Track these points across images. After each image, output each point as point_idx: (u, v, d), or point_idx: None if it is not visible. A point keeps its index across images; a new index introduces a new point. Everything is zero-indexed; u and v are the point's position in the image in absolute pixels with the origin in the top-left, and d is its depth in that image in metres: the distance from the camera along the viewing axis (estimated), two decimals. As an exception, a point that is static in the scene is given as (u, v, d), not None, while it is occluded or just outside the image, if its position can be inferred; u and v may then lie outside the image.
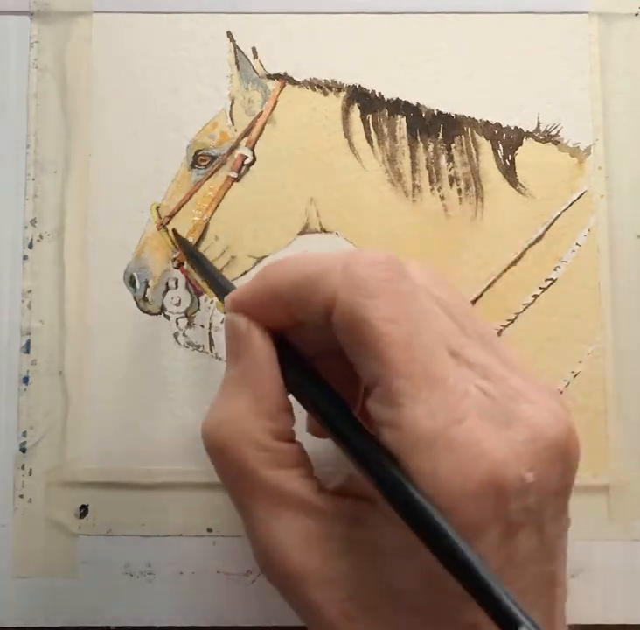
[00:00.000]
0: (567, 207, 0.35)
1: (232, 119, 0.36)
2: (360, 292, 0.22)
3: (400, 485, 0.21)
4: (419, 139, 0.36)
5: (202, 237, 0.36)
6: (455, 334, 0.23)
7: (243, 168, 0.36)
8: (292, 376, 0.25)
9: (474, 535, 0.20)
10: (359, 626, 0.22)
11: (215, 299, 0.35)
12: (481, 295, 0.35)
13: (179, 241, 0.35)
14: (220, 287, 0.32)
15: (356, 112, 0.36)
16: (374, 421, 0.22)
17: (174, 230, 0.35)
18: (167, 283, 0.36)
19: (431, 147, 0.36)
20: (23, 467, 0.35)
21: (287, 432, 0.25)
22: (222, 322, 0.35)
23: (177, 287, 0.36)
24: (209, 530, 0.34)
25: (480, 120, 0.36)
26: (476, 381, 0.23)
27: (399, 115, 0.36)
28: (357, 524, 0.23)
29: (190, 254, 0.35)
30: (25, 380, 0.35)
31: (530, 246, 0.35)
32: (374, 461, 0.22)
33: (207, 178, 0.36)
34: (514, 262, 0.35)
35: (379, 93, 0.36)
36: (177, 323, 0.35)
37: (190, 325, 0.35)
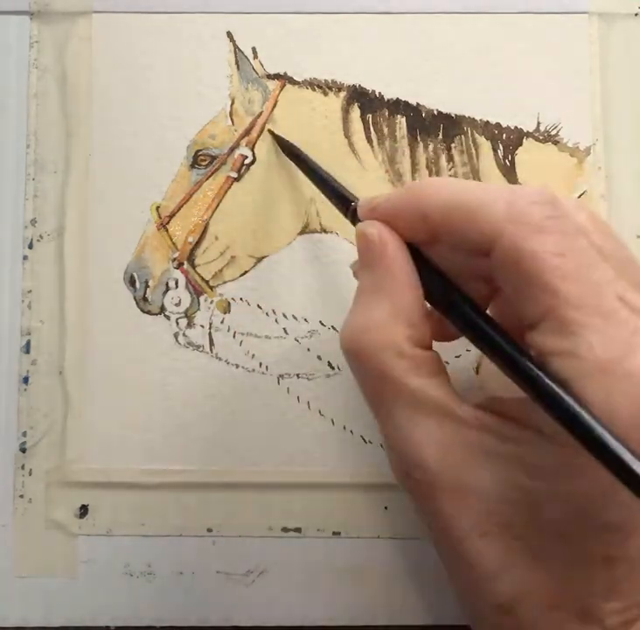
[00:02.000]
0: (567, 207, 0.35)
1: (232, 119, 0.36)
2: (527, 227, 0.22)
3: (569, 404, 0.21)
4: (419, 139, 0.36)
5: (202, 237, 0.36)
6: (617, 280, 0.23)
7: (243, 168, 0.36)
8: (437, 286, 0.25)
9: None
10: (490, 543, 0.22)
11: (215, 299, 0.36)
12: (481, 295, 0.35)
13: (284, 145, 0.35)
14: (338, 195, 0.31)
15: (356, 112, 0.36)
16: (541, 352, 0.22)
17: (270, 131, 0.36)
18: (167, 283, 0.36)
19: (431, 147, 0.36)
20: (23, 467, 0.35)
21: (426, 340, 0.25)
22: (222, 322, 0.35)
23: (177, 287, 0.36)
24: (209, 530, 0.34)
25: (480, 120, 0.36)
26: None
27: (399, 115, 0.36)
28: (501, 439, 0.23)
29: (299, 159, 0.35)
30: (25, 380, 0.35)
31: (530, 246, 0.35)
32: (534, 371, 0.22)
33: (207, 178, 0.36)
34: (514, 262, 0.35)
35: (379, 93, 0.36)
36: (177, 323, 0.35)
37: (190, 325, 0.35)
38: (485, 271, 0.24)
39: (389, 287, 0.24)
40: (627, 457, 0.19)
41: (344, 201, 0.30)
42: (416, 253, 0.25)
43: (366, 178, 0.36)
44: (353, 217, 0.29)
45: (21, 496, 0.34)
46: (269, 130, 0.36)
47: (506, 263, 0.23)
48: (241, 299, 0.35)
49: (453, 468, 0.23)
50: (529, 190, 0.24)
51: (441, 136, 0.36)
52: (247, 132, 0.36)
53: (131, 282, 0.36)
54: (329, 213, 0.36)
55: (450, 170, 0.36)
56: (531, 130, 0.36)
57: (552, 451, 0.22)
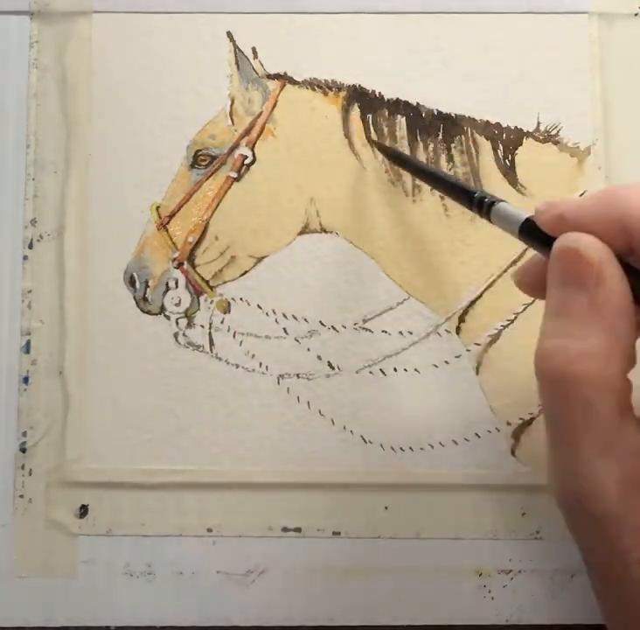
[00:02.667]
0: (567, 207, 0.35)
1: (232, 119, 0.36)
2: None
3: None
4: (419, 139, 0.36)
5: (202, 237, 0.36)
6: None
7: (243, 168, 0.36)
8: None
9: None
10: None
11: (215, 299, 0.35)
12: (481, 295, 0.35)
13: (388, 152, 0.35)
14: (458, 188, 0.30)
15: (356, 112, 0.36)
16: None
17: (375, 142, 0.36)
18: (167, 283, 0.36)
19: (431, 147, 0.36)
20: (23, 467, 0.35)
21: (630, 369, 0.23)
22: (222, 322, 0.35)
23: (177, 287, 0.36)
24: (209, 530, 0.34)
25: (480, 120, 0.36)
26: None
27: (399, 115, 0.36)
28: None
29: (407, 163, 0.35)
30: (25, 380, 0.35)
31: (530, 246, 0.35)
32: None
33: (207, 178, 0.36)
34: (514, 262, 0.35)
35: (379, 93, 0.36)
36: (177, 323, 0.35)
37: (190, 325, 0.35)
38: None
39: (609, 314, 0.23)
40: None
41: (465, 193, 0.29)
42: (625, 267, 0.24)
43: (366, 178, 0.36)
44: (480, 207, 0.28)
45: (21, 496, 0.34)
46: (369, 139, 0.36)
47: None
48: (241, 299, 0.35)
49: (629, 503, 0.22)
50: None
51: (441, 136, 0.36)
52: (247, 132, 0.36)
53: (131, 282, 0.36)
54: (329, 213, 0.36)
55: (450, 170, 0.36)
56: (531, 130, 0.36)
57: None
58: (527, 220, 0.26)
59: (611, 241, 0.23)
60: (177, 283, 0.36)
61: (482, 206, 0.28)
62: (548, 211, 0.25)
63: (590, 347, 0.23)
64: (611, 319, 0.23)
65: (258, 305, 0.35)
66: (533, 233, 0.26)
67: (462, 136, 0.36)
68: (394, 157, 0.35)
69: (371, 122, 0.36)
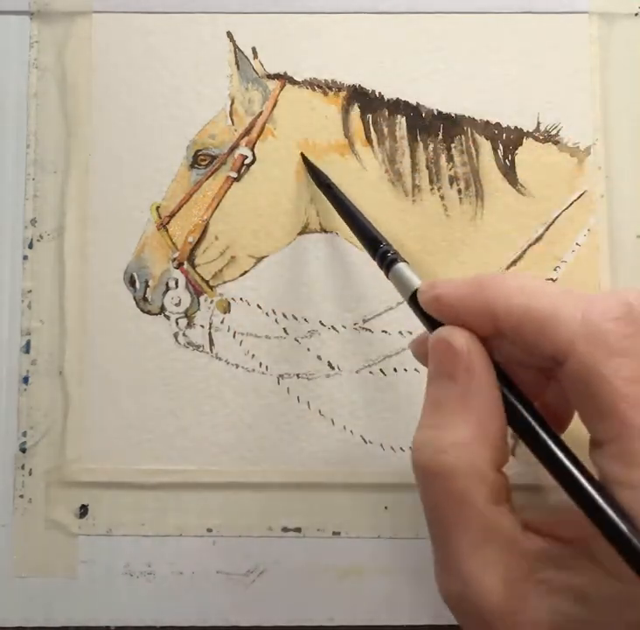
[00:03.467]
0: (567, 207, 0.35)
1: (232, 119, 0.36)
2: (602, 349, 0.21)
3: (633, 540, 0.20)
4: (419, 139, 0.36)
5: (202, 237, 0.36)
6: None
7: (243, 168, 0.36)
8: (509, 401, 0.24)
9: None
10: None
11: (215, 299, 0.36)
12: (481, 295, 0.35)
13: (315, 172, 0.35)
14: (368, 236, 0.31)
15: (356, 112, 0.36)
16: (604, 476, 0.22)
17: (302, 155, 0.35)
18: (167, 283, 0.36)
19: (431, 147, 0.36)
20: (23, 467, 0.35)
21: (505, 462, 0.24)
22: (222, 322, 0.35)
23: (177, 287, 0.36)
24: (209, 530, 0.34)
25: (480, 120, 0.36)
26: None
27: (399, 115, 0.36)
28: (560, 567, 0.22)
29: (328, 191, 0.34)
30: (25, 380, 0.35)
31: (530, 246, 0.35)
32: (603, 509, 0.21)
33: (207, 178, 0.36)
34: (514, 262, 0.35)
35: (379, 93, 0.36)
36: (177, 323, 0.35)
37: (190, 325, 0.35)
38: (547, 366, 0.23)
39: (476, 406, 0.23)
40: None
41: (372, 243, 0.30)
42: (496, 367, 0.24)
43: (366, 178, 0.36)
44: (381, 262, 0.29)
45: (21, 496, 0.34)
46: (302, 154, 0.36)
47: (576, 381, 0.22)
48: (241, 299, 0.35)
49: (512, 598, 0.22)
50: (605, 301, 0.22)
51: (441, 136, 0.36)
52: (247, 132, 0.36)
53: (131, 282, 0.36)
54: (329, 213, 0.36)
55: (450, 170, 0.36)
56: (531, 130, 0.36)
57: (609, 583, 0.21)
58: (383, 256, 0.28)
59: (480, 326, 0.24)
60: (177, 283, 0.36)
61: (383, 260, 0.29)
62: (427, 292, 0.26)
63: (459, 439, 0.23)
64: (480, 411, 0.23)
65: (258, 305, 0.35)
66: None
67: (462, 136, 0.36)
68: (318, 181, 0.35)
69: (371, 122, 0.36)
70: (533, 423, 0.23)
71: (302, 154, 0.36)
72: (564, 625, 0.22)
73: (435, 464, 0.23)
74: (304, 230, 0.36)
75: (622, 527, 0.20)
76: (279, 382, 0.35)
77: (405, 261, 0.28)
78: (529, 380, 0.25)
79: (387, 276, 0.29)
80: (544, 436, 0.23)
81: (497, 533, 0.23)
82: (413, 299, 0.27)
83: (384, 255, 0.29)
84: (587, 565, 0.22)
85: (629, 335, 0.22)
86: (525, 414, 0.24)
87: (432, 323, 0.26)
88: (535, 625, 0.22)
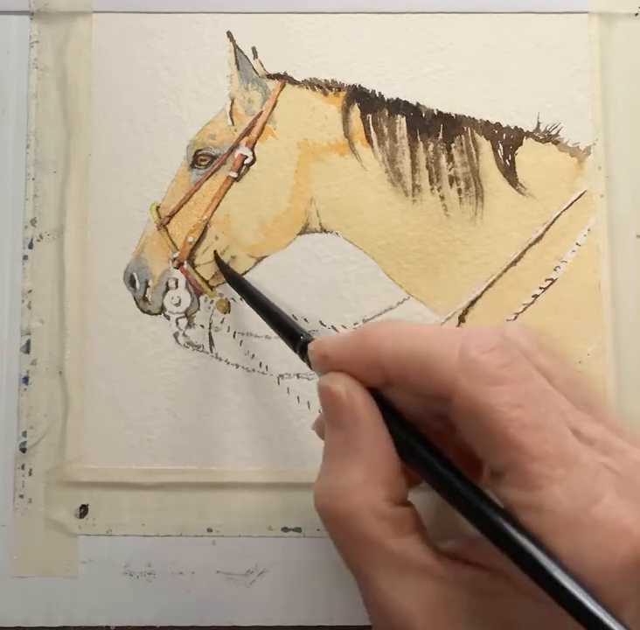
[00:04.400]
0: (567, 207, 0.35)
1: (232, 119, 0.36)
2: (482, 380, 0.22)
3: (542, 562, 0.20)
4: (419, 139, 0.36)
5: (202, 237, 0.36)
6: (569, 410, 0.23)
7: (243, 168, 0.36)
8: (401, 438, 0.24)
9: (615, 610, 0.20)
10: None
11: (215, 299, 0.35)
12: (481, 295, 0.35)
13: (229, 276, 0.35)
14: (286, 329, 0.30)
15: (356, 112, 0.36)
16: (509, 505, 0.22)
17: (216, 254, 0.35)
18: (167, 283, 0.36)
19: (431, 147, 0.36)
20: (23, 467, 0.35)
21: (403, 496, 0.24)
22: (222, 322, 0.35)
23: (177, 287, 0.36)
24: (209, 530, 0.34)
25: (480, 120, 0.36)
26: (599, 458, 0.22)
27: (399, 115, 0.36)
28: (479, 593, 0.23)
29: (241, 288, 0.34)
30: (25, 380, 0.35)
31: (530, 246, 0.35)
32: (509, 535, 0.21)
33: (207, 178, 0.36)
34: (514, 262, 0.35)
35: (379, 93, 0.36)
36: (177, 323, 0.35)
37: (190, 325, 0.35)
38: (443, 411, 0.24)
39: (363, 447, 0.24)
40: (601, 614, 0.19)
41: (291, 336, 0.29)
42: (379, 399, 0.25)
43: (366, 178, 0.36)
44: (302, 353, 0.28)
45: (21, 496, 0.34)
46: (215, 252, 0.35)
47: (464, 415, 0.22)
48: (241, 299, 0.35)
49: (440, 625, 0.22)
50: (480, 334, 0.23)
51: (441, 136, 0.36)
52: (247, 132, 0.36)
53: (131, 282, 0.36)
54: (329, 213, 0.36)
55: (450, 170, 0.36)
56: (531, 130, 0.36)
57: (526, 605, 0.22)
58: (303, 349, 0.27)
59: (370, 376, 0.24)
60: (177, 283, 0.36)
61: (304, 352, 0.28)
62: (315, 351, 0.26)
63: (350, 482, 0.24)
64: (367, 452, 0.24)
65: (258, 305, 0.35)
66: None
67: (462, 136, 0.36)
68: (232, 281, 0.35)
69: (371, 122, 0.36)
70: (427, 454, 0.24)
71: (214, 252, 0.35)
72: None
73: (333, 509, 0.24)
74: (304, 230, 0.36)
75: (533, 551, 0.21)
76: (279, 382, 0.35)
77: (313, 339, 0.28)
78: (437, 429, 0.25)
79: (309, 366, 0.27)
80: (438, 466, 0.23)
81: (407, 564, 0.23)
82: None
83: (303, 347, 0.28)
84: (507, 591, 0.22)
85: (505, 364, 0.22)
86: (416, 445, 0.24)
87: None
88: None
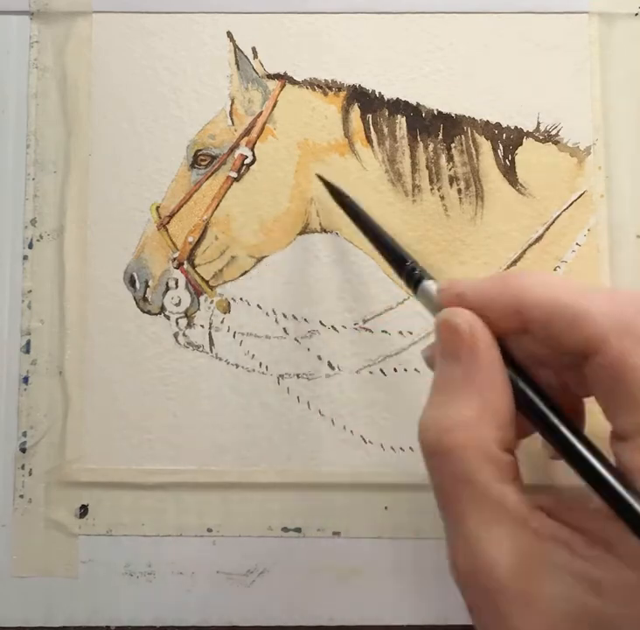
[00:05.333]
0: (567, 207, 0.35)
1: (232, 119, 0.36)
2: (635, 341, 0.22)
3: None
4: (419, 139, 0.36)
5: (202, 237, 0.36)
6: None
7: (243, 168, 0.36)
8: (518, 386, 0.24)
9: None
10: None
11: (215, 299, 0.36)
12: (481, 295, 0.35)
13: (335, 192, 0.34)
14: (393, 253, 0.30)
15: (356, 112, 0.36)
16: (627, 468, 0.22)
17: (318, 176, 0.35)
18: (167, 283, 0.36)
19: (431, 147, 0.36)
20: (23, 467, 0.35)
21: (511, 442, 0.24)
22: (222, 322, 0.35)
23: (177, 287, 0.36)
24: (209, 530, 0.34)
25: (480, 120, 0.36)
26: None
27: (399, 115, 0.36)
28: (574, 553, 0.22)
29: (349, 208, 0.34)
30: (25, 380, 0.35)
31: (530, 246, 0.35)
32: (622, 498, 0.21)
33: (207, 178, 0.36)
34: (514, 262, 0.35)
35: (379, 93, 0.36)
36: (177, 323, 0.35)
37: (190, 325, 0.35)
38: (576, 364, 0.24)
39: (480, 384, 0.23)
40: None
41: (398, 261, 0.29)
42: (504, 351, 0.24)
43: (366, 177, 0.36)
44: (408, 279, 0.28)
45: (21, 496, 0.34)
46: (318, 176, 0.35)
47: (607, 373, 0.22)
48: (241, 299, 0.35)
49: (523, 579, 0.22)
50: (636, 296, 0.23)
51: (441, 136, 0.36)
52: (247, 132, 0.36)
53: (131, 282, 0.36)
54: (329, 213, 0.36)
55: (450, 170, 0.36)
56: (531, 130, 0.36)
57: (624, 573, 0.21)
58: (410, 274, 0.27)
59: (505, 321, 0.24)
60: (177, 283, 0.36)
61: (411, 278, 0.28)
62: (448, 289, 0.26)
63: (464, 417, 0.23)
64: (485, 389, 0.23)
65: (258, 305, 0.35)
66: None
67: (462, 136, 0.36)
68: (339, 200, 0.34)
69: (371, 122, 0.36)
70: (543, 407, 0.23)
71: (318, 175, 0.35)
72: (576, 612, 0.22)
73: (441, 443, 0.23)
74: (304, 230, 0.36)
75: None
76: (279, 382, 0.35)
77: (432, 278, 0.28)
78: (547, 379, 0.25)
79: (415, 295, 0.28)
80: (556, 420, 0.23)
81: (505, 511, 0.22)
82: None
83: (411, 274, 0.28)
84: (601, 555, 0.22)
85: None
86: (533, 396, 0.24)
87: None
88: (546, 609, 0.22)
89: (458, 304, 0.25)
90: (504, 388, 0.24)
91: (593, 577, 0.22)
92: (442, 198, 0.36)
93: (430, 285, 0.27)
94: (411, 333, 0.35)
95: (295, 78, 0.36)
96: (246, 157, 0.36)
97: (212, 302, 0.35)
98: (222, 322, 0.35)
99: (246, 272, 0.36)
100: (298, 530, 0.34)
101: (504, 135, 0.36)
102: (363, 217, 0.33)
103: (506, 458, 0.23)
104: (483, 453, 0.23)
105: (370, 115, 0.36)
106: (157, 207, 0.36)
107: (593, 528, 0.22)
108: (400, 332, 0.35)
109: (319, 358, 0.35)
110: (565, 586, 0.22)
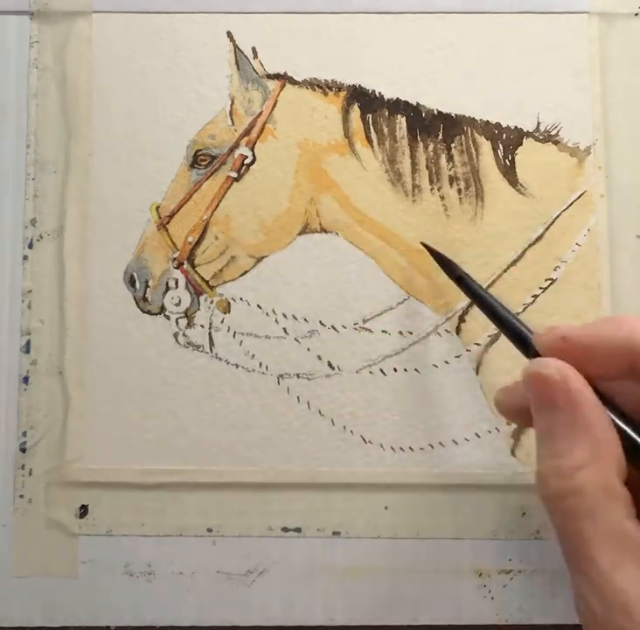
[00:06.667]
0: (567, 207, 0.35)
1: (232, 119, 0.36)
2: None
3: None
4: (419, 139, 0.36)
5: (202, 237, 0.36)
6: None
7: (243, 168, 0.36)
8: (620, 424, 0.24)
9: None
10: None
11: (215, 299, 0.36)
12: (481, 295, 0.35)
13: (444, 263, 0.33)
14: (515, 332, 0.29)
15: (356, 112, 0.36)
16: None
17: (426, 246, 0.34)
18: (167, 283, 0.36)
19: (431, 147, 0.36)
20: (23, 467, 0.35)
21: (625, 476, 0.24)
22: (222, 322, 0.35)
23: (177, 287, 0.36)
24: (209, 530, 0.34)
25: (480, 120, 0.36)
26: None
27: (399, 115, 0.36)
28: None
29: (475, 294, 0.32)
30: (25, 380, 0.35)
31: (530, 246, 0.35)
32: None
33: (207, 178, 0.36)
34: (514, 262, 0.35)
35: (379, 93, 0.36)
36: (177, 323, 0.35)
37: (190, 325, 0.35)
38: None
39: (587, 424, 0.24)
40: None
41: (522, 339, 0.28)
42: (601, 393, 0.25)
43: (366, 178, 0.36)
44: (529, 352, 0.27)
45: (21, 496, 0.34)
46: (426, 245, 0.34)
47: None
48: (241, 299, 0.35)
49: None
50: None
51: (441, 136, 0.36)
52: (247, 132, 0.36)
53: (131, 282, 0.36)
54: (329, 213, 0.36)
55: (450, 170, 0.36)
56: (531, 130, 0.36)
57: None
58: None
59: (612, 363, 0.24)
60: (177, 283, 0.36)
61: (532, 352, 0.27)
62: (550, 333, 0.26)
63: (580, 461, 0.23)
64: (591, 429, 0.24)
65: (258, 305, 0.35)
66: None
67: (462, 136, 0.36)
68: (450, 273, 0.33)
69: (371, 122, 0.36)
70: None
71: (425, 245, 0.34)
72: None
73: (564, 489, 0.23)
74: (304, 230, 0.36)
75: None
76: (279, 382, 0.35)
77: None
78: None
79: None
80: None
81: (632, 544, 0.23)
82: None
83: (534, 350, 0.27)
84: None
85: None
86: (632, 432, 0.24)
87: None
88: None
89: (561, 347, 0.25)
90: (609, 424, 0.24)
91: None
92: (442, 198, 0.36)
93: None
94: (411, 333, 0.35)
95: (295, 78, 0.36)
96: (246, 157, 0.36)
97: (212, 302, 0.35)
98: (222, 322, 0.35)
99: (246, 272, 0.36)
100: (298, 530, 0.34)
101: (504, 135, 0.36)
102: (478, 292, 0.32)
103: (627, 492, 0.23)
104: (605, 489, 0.23)
105: (370, 115, 0.36)
106: (157, 207, 0.36)
107: None
108: (400, 332, 0.35)
109: (319, 358, 0.35)
110: None
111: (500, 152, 0.36)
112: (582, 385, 0.24)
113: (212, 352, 0.35)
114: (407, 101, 0.36)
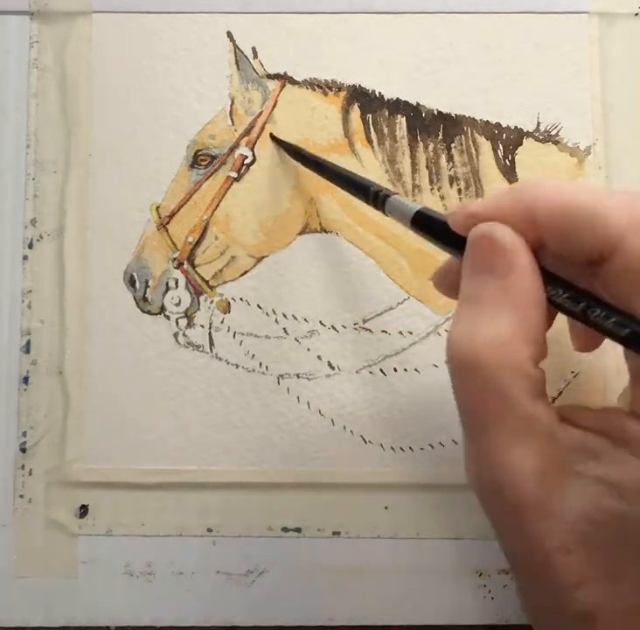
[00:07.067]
0: (567, 207, 0.35)
1: (232, 119, 0.36)
2: None
3: None
4: (419, 139, 0.36)
5: (202, 237, 0.36)
6: None
7: (243, 168, 0.36)
8: (564, 294, 0.23)
9: None
10: (574, 559, 0.22)
11: (215, 299, 0.36)
12: (481, 295, 0.35)
13: (288, 148, 0.35)
14: (357, 184, 0.31)
15: (356, 112, 0.36)
16: None
17: (272, 135, 0.36)
18: (167, 283, 0.36)
19: (431, 147, 0.36)
20: (23, 467, 0.35)
21: (543, 357, 0.23)
22: (222, 322, 0.35)
23: (177, 287, 0.36)
24: (209, 530, 0.34)
25: (480, 120, 0.36)
26: None
27: (399, 115, 0.36)
28: (598, 459, 0.22)
29: (305, 159, 0.35)
30: (25, 380, 0.35)
31: (530, 246, 0.35)
32: None
33: (207, 178, 0.36)
34: (514, 262, 0.35)
35: (379, 93, 0.36)
36: (177, 323, 0.35)
37: (190, 325, 0.35)
38: (592, 272, 0.23)
39: (518, 300, 0.23)
40: None
41: (363, 189, 0.30)
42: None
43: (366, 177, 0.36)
44: (375, 201, 0.29)
45: (21, 496, 0.34)
46: (271, 135, 0.36)
47: (625, 273, 0.22)
48: (241, 299, 0.35)
49: (545, 489, 0.22)
50: None
51: (441, 136, 0.36)
52: (247, 132, 0.36)
53: (131, 282, 0.36)
54: (329, 213, 0.36)
55: (450, 170, 0.36)
56: (531, 130, 0.36)
57: (636, 465, 0.22)
58: (418, 212, 0.27)
59: (522, 235, 0.23)
60: (177, 283, 0.36)
61: (377, 199, 0.29)
62: (460, 211, 0.25)
63: (499, 332, 0.23)
64: (520, 306, 0.23)
65: (258, 305, 0.35)
66: (425, 225, 0.27)
67: (462, 136, 0.36)
68: (294, 154, 0.35)
69: (371, 122, 0.36)
70: (590, 302, 0.23)
71: (270, 134, 0.36)
72: (598, 517, 0.22)
73: (475, 358, 0.23)
74: (304, 230, 0.36)
75: None
76: (279, 382, 0.35)
77: (396, 193, 0.29)
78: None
79: (385, 213, 0.29)
80: (605, 311, 0.22)
81: (535, 426, 0.22)
82: (415, 222, 0.27)
83: (376, 195, 0.29)
84: (625, 458, 0.22)
85: None
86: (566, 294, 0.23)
87: (451, 240, 0.25)
88: (568, 515, 0.22)
89: (472, 224, 0.24)
90: (542, 304, 0.23)
91: (614, 479, 0.22)
92: (442, 198, 0.36)
93: (396, 199, 0.28)
94: (411, 333, 0.35)
95: (295, 78, 0.36)
96: (247, 157, 0.36)
97: (212, 302, 0.35)
98: (222, 322, 0.35)
99: (246, 272, 0.36)
100: (298, 530, 0.34)
101: (504, 135, 0.36)
102: (322, 163, 0.34)
103: (539, 374, 0.23)
104: (518, 370, 0.22)
105: (370, 115, 0.36)
106: (157, 207, 0.36)
107: (613, 429, 0.22)
108: (400, 332, 0.35)
109: (319, 358, 0.35)
110: (588, 493, 0.22)
111: (500, 152, 0.36)
112: (528, 256, 0.23)
113: (212, 352, 0.35)
114: (407, 101, 0.36)
